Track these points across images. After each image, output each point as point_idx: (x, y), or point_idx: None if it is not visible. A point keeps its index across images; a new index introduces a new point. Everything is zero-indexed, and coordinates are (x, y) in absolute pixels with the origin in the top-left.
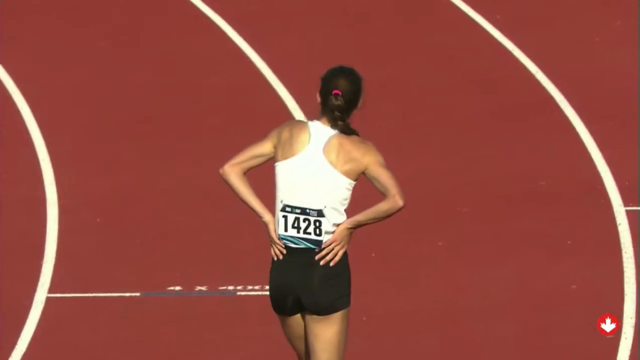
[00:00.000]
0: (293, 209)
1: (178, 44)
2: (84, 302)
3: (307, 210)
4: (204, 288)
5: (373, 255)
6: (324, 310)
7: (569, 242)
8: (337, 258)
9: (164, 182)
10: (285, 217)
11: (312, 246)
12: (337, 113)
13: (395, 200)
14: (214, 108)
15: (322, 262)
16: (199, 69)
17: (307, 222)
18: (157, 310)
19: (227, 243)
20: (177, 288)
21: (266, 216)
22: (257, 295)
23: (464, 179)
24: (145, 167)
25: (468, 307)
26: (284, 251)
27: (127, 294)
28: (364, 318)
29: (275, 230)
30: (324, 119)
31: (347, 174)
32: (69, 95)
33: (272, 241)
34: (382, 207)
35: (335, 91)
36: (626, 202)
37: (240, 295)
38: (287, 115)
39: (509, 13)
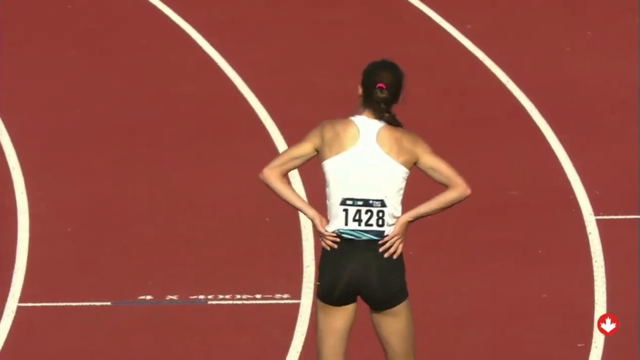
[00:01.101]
0: (355, 201)
1: (148, 52)
2: (55, 311)
3: (370, 202)
4: (175, 297)
5: None
6: (384, 303)
7: (539, 251)
8: (398, 252)
9: (134, 190)
10: (345, 210)
11: (375, 237)
12: (383, 105)
13: (464, 188)
14: (184, 116)
15: (386, 255)
16: (170, 78)
17: (369, 213)
18: (128, 319)
19: (198, 252)
20: (148, 297)
21: (310, 211)
22: (228, 304)
23: (434, 189)
24: (115, 176)
25: (439, 315)
26: (337, 240)
27: (98, 303)
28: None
29: (321, 224)
30: (367, 112)
31: (403, 164)
32: (40, 104)
33: (321, 235)
34: (449, 196)
35: (379, 84)
36: (597, 211)
37: (212, 305)
38: (258, 123)
39: (479, 23)
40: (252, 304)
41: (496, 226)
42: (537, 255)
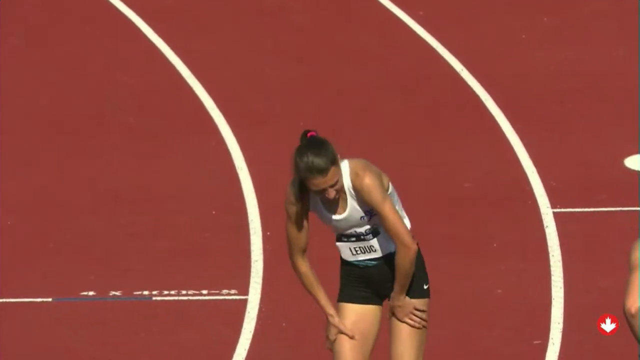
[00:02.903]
0: None
1: (92, 41)
2: None
3: None
4: (118, 293)
5: None
6: None
7: (495, 245)
8: None
9: (76, 183)
10: None
11: None
12: None
13: None
14: (129, 107)
15: None
16: (114, 67)
17: None
18: (70, 315)
19: (142, 246)
20: (91, 293)
21: None
22: (174, 300)
23: None
24: (57, 169)
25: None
26: None
27: (39, 299)
28: (284, 324)
29: None
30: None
31: None
32: None
33: None
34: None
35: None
36: (553, 204)
37: (156, 301)
38: (204, 113)
39: (432, 9)
40: (198, 300)
41: (450, 219)
42: (492, 249)
